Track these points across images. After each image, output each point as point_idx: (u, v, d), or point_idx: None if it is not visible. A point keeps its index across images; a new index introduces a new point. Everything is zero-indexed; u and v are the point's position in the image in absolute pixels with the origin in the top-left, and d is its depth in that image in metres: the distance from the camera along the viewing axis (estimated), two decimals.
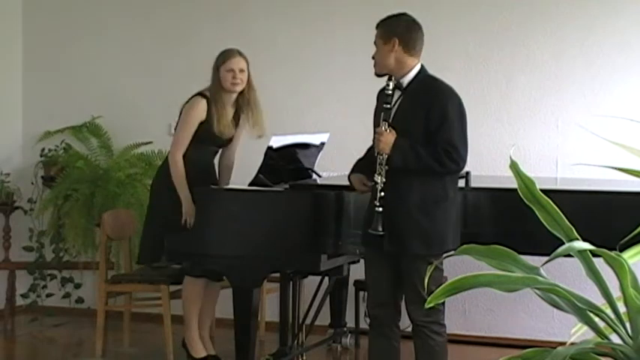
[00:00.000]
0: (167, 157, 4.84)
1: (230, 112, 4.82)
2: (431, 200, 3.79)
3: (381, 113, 3.84)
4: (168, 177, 4.75)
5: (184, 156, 4.73)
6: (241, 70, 4.74)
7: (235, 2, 6.21)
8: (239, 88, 4.77)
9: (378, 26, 3.90)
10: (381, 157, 3.77)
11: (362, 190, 3.98)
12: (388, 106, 3.80)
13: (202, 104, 4.73)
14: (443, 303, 3.66)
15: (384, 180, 3.76)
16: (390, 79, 3.82)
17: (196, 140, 4.75)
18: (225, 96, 4.78)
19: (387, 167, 3.76)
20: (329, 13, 6.00)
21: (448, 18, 5.75)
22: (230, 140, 4.90)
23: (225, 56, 4.78)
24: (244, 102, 4.83)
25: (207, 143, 4.83)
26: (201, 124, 4.74)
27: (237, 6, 6.19)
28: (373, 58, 3.89)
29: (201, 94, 4.76)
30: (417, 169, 3.74)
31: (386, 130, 3.76)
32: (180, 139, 4.76)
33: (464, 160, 3.79)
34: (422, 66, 3.88)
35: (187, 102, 4.80)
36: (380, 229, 3.77)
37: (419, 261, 3.75)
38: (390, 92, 3.80)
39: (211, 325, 5.19)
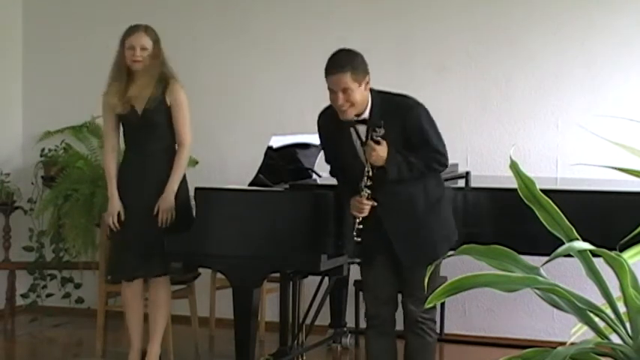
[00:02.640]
0: None
1: (130, 85, 4.53)
2: (432, 201, 3.85)
3: (350, 145, 3.80)
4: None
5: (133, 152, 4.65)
6: (143, 48, 4.48)
7: (235, 2, 6.21)
8: (138, 67, 4.50)
9: (343, 70, 3.66)
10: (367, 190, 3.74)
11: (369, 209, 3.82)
12: (360, 141, 3.77)
13: (103, 98, 4.64)
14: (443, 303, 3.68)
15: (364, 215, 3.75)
16: (353, 121, 3.75)
17: (124, 130, 4.69)
18: (131, 72, 4.54)
19: (369, 191, 3.73)
20: (329, 13, 6.00)
21: (448, 18, 5.75)
22: (148, 115, 4.56)
23: (128, 32, 4.53)
24: (161, 77, 4.56)
25: (126, 127, 4.66)
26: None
27: (237, 5, 6.19)
28: (347, 102, 3.67)
29: None
30: (410, 177, 3.74)
31: (377, 143, 3.68)
32: (103, 137, 4.78)
33: (447, 159, 3.84)
34: (370, 89, 3.78)
35: None
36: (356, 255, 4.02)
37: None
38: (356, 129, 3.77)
39: (167, 336, 4.96)
